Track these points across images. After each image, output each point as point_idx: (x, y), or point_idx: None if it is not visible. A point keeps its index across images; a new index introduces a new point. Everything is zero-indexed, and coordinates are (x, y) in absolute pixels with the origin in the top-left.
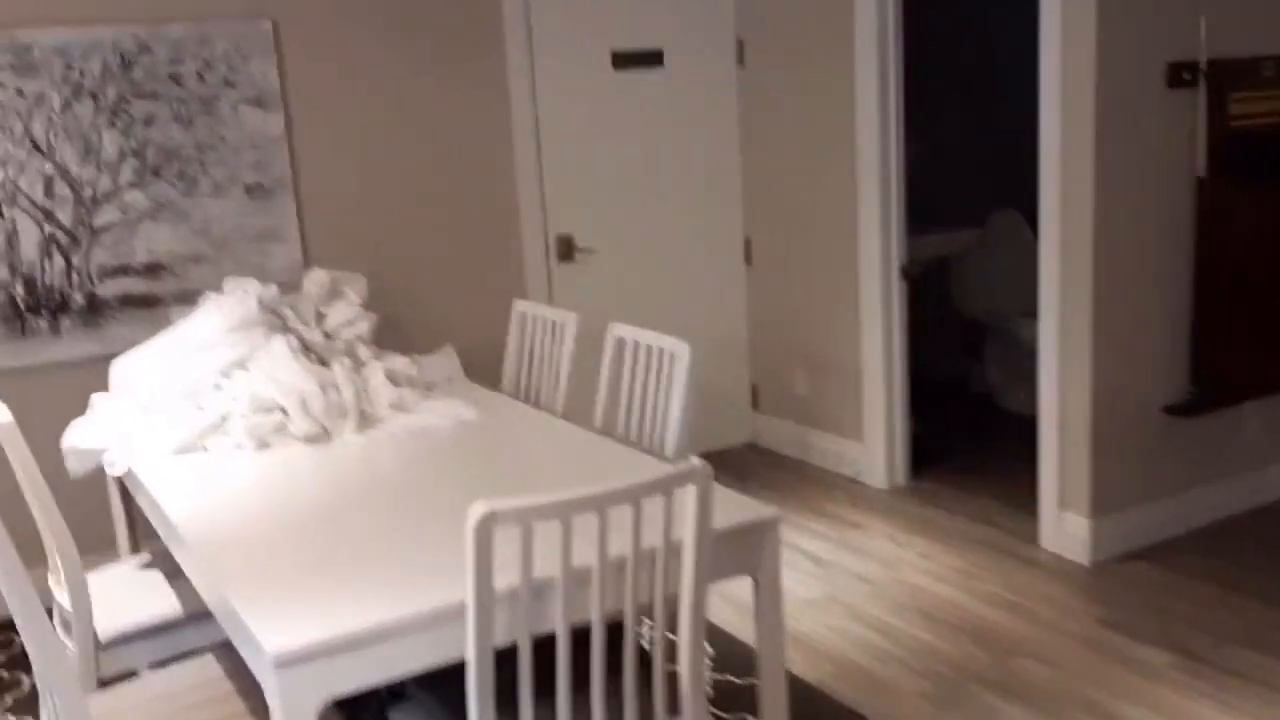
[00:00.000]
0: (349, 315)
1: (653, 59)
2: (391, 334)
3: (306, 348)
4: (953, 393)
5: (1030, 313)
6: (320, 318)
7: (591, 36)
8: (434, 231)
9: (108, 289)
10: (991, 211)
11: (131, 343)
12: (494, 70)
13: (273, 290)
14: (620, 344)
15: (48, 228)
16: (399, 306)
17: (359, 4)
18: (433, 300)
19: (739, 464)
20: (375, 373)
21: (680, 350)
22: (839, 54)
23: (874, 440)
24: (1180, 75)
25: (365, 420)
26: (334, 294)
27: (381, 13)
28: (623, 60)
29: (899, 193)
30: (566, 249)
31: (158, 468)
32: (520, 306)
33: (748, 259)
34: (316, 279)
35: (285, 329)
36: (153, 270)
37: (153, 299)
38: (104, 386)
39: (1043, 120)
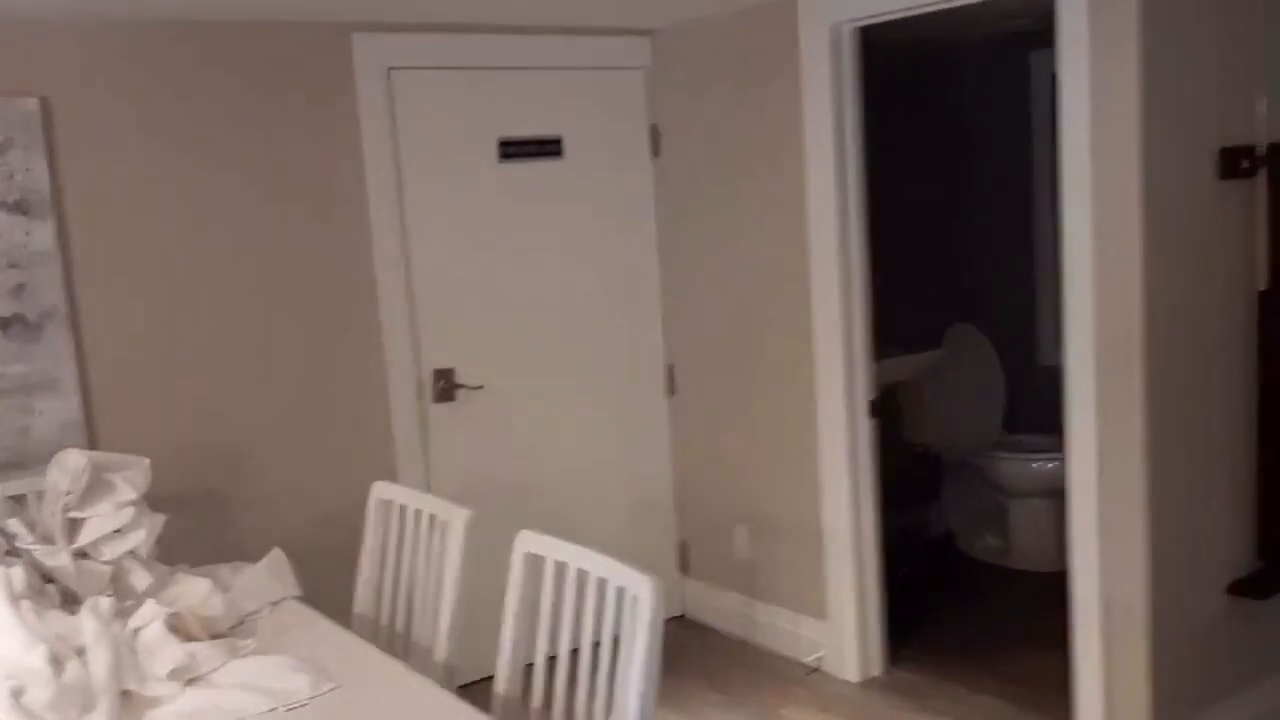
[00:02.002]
0: (117, 521)
1: (549, 148)
2: (197, 533)
3: (47, 580)
4: (908, 539)
5: (999, 445)
6: (73, 528)
7: (474, 120)
8: (266, 376)
9: None
10: (946, 328)
11: None
12: (346, 166)
13: None
14: (535, 562)
15: None
16: (214, 485)
17: (161, 78)
18: (263, 472)
19: (665, 643)
20: (151, 620)
21: (641, 590)
22: (785, 145)
23: (841, 618)
24: (1237, 163)
25: (129, 708)
26: (96, 488)
27: (194, 89)
28: (513, 149)
29: (864, 312)
30: (445, 386)
31: None
32: (381, 491)
33: (670, 390)
34: (69, 466)
35: (10, 552)
36: None
37: None
38: None
39: (1067, 228)
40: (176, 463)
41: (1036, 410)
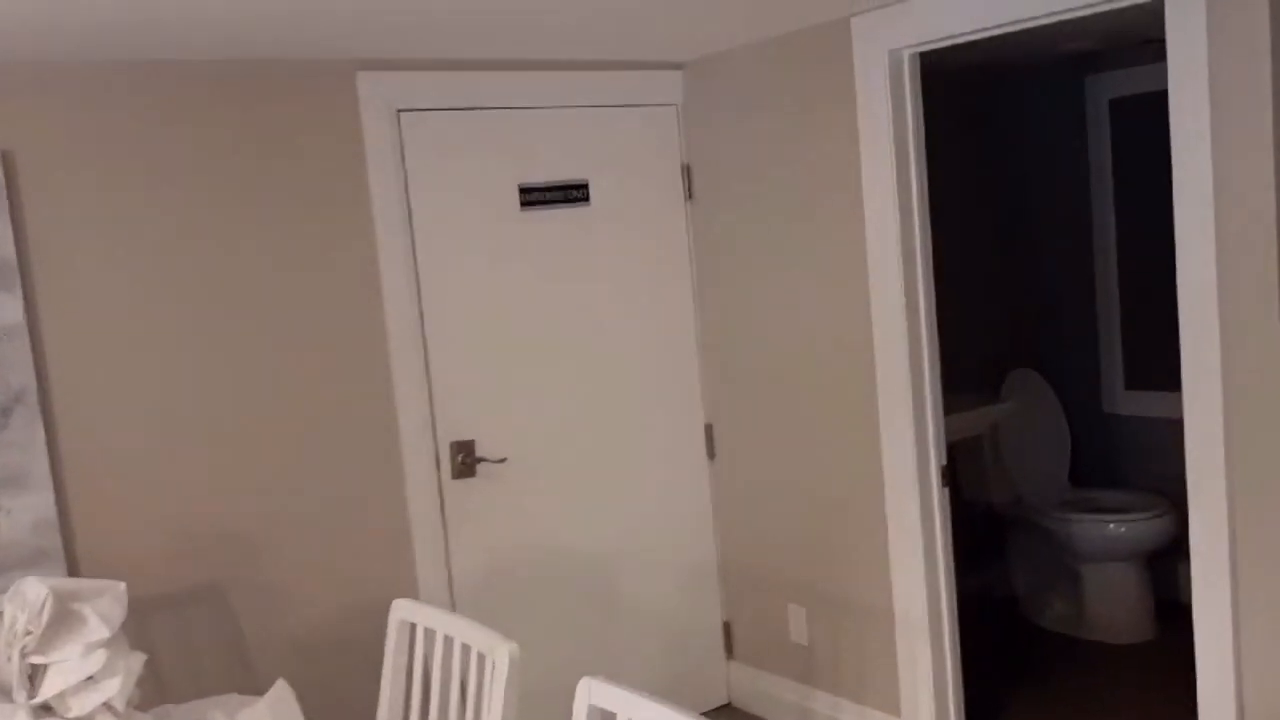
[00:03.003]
0: (88, 667)
1: (575, 194)
2: (191, 638)
3: None
4: (971, 608)
5: (1068, 503)
6: (35, 675)
7: (491, 166)
8: (267, 456)
9: None
10: (1005, 375)
11: None
12: (352, 218)
13: None
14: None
15: None
16: (209, 582)
17: (140, 128)
18: (265, 564)
19: None
20: None
21: None
22: (838, 183)
23: (917, 713)
24: None
25: None
26: (62, 624)
27: (179, 139)
28: (536, 196)
29: (933, 368)
30: (465, 460)
31: None
32: (403, 611)
33: (710, 453)
34: (28, 600)
35: None
36: None
37: None
38: None
39: (1183, 283)
40: (167, 560)
41: (1104, 462)
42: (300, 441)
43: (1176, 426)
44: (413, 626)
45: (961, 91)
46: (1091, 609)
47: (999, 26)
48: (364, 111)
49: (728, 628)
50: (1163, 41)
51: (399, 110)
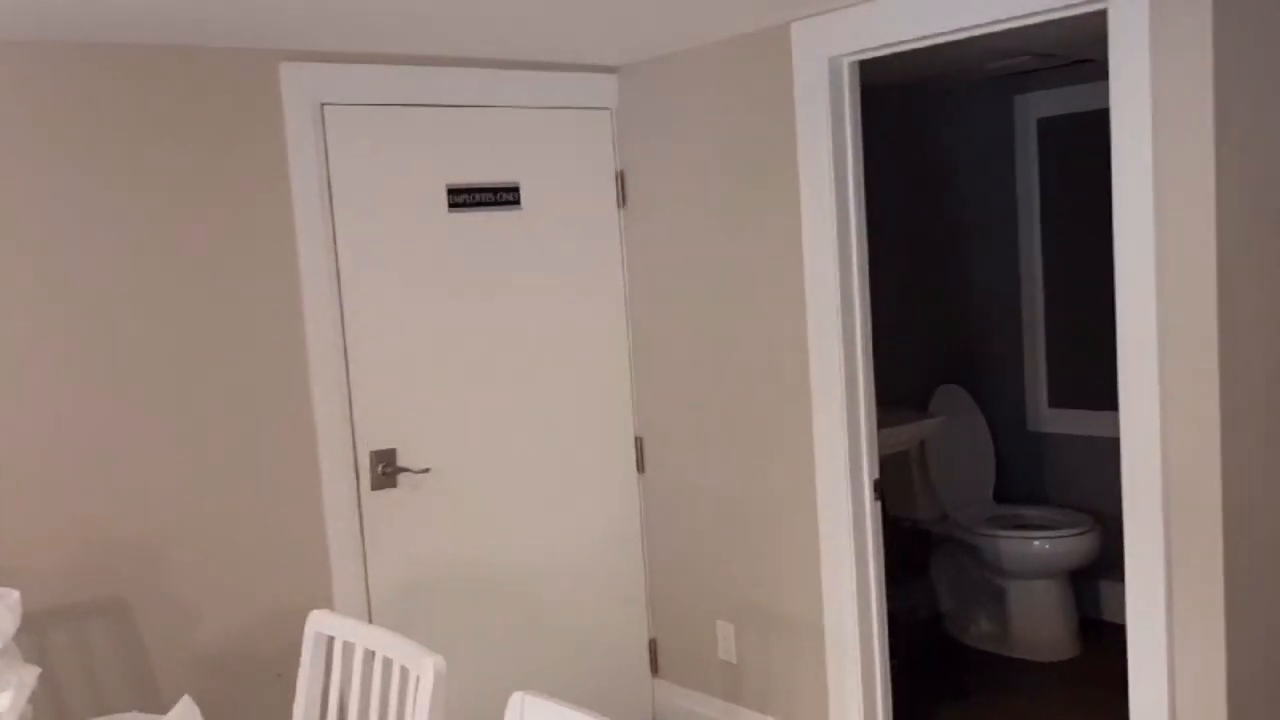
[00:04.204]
0: None
1: (505, 196)
2: (94, 652)
3: None
4: (896, 625)
5: (994, 519)
6: None
7: (419, 165)
8: (178, 462)
9: None
10: (932, 391)
11: None
12: (271, 216)
13: None
14: None
15: None
16: (115, 593)
17: (45, 116)
18: (174, 575)
19: None
20: None
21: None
22: (775, 192)
23: None
24: None
25: None
26: None
27: (83, 129)
28: (465, 198)
29: (868, 381)
30: (386, 470)
31: None
32: (320, 623)
33: (640, 466)
34: None
35: None
36: None
37: None
38: None
39: (1123, 305)
40: (66, 571)
41: (1029, 480)
42: (210, 449)
43: (1099, 444)
44: (330, 640)
45: (897, 108)
46: (1016, 626)
47: (938, 35)
48: (286, 104)
49: (654, 644)
50: (1093, 61)
51: (323, 104)
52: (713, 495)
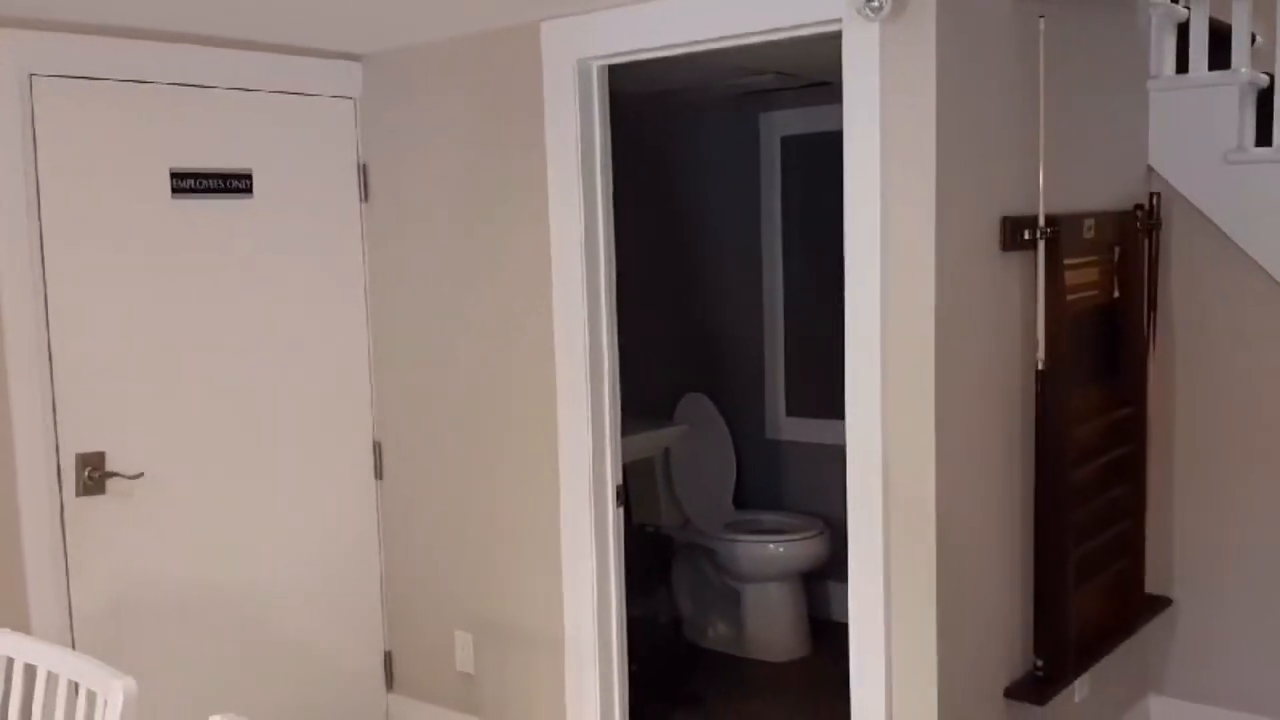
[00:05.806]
0: None
1: (236, 183)
2: None
3: None
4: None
5: (732, 525)
6: None
7: (139, 146)
8: None
9: None
10: (678, 399)
11: None
12: None
13: None
14: None
15: None
16: None
17: None
18: None
19: None
20: None
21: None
22: (523, 192)
23: None
24: (1019, 235)
25: None
26: None
27: None
28: (190, 183)
29: (613, 388)
30: (94, 475)
31: None
32: (3, 644)
33: (378, 473)
34: None
35: None
36: None
37: None
38: None
39: (849, 316)
40: None
41: (766, 486)
42: None
43: (831, 451)
44: (10, 662)
45: (654, 119)
46: (751, 628)
47: (681, 44)
48: None
49: (389, 657)
50: (832, 84)
51: (31, 75)
52: (452, 501)
